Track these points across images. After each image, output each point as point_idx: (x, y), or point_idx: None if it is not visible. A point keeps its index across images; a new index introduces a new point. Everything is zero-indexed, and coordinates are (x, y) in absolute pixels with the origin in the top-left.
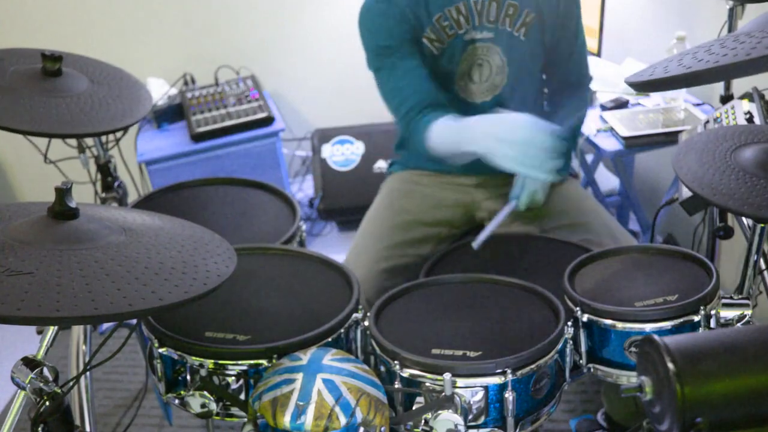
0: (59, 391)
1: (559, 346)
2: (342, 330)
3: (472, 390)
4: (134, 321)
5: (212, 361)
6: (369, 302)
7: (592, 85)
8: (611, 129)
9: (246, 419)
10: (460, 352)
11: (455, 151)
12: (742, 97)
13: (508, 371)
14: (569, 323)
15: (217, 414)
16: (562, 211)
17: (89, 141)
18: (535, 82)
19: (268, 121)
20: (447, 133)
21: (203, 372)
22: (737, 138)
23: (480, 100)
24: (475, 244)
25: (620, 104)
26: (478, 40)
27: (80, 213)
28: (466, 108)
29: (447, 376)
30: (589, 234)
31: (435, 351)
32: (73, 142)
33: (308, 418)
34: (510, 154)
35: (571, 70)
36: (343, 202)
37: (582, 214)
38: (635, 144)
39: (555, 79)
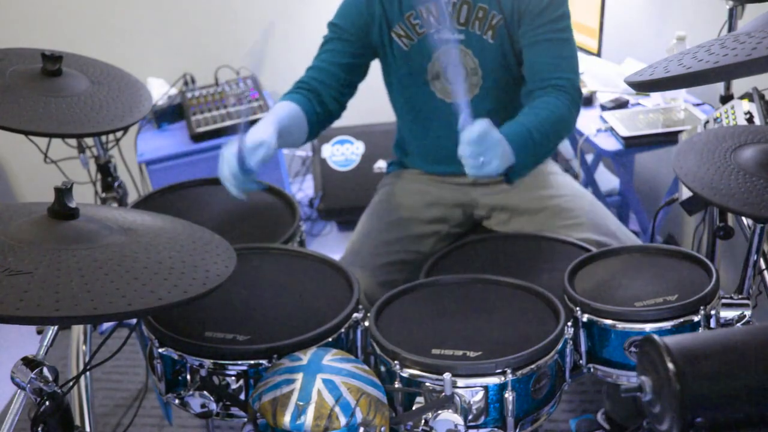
0: (59, 391)
1: (559, 346)
2: (342, 330)
3: (472, 390)
4: (134, 321)
5: (212, 360)
6: (368, 297)
7: (592, 86)
8: (611, 129)
9: (246, 419)
10: (460, 352)
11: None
12: (742, 97)
13: (508, 371)
14: (569, 323)
15: (217, 414)
16: (563, 209)
17: (89, 141)
18: (511, 84)
19: None
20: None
21: (203, 372)
22: (737, 138)
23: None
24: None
25: (620, 104)
26: (451, 40)
27: (80, 213)
28: (447, 109)
29: (447, 376)
30: (588, 232)
31: (435, 351)
32: (73, 142)
33: (308, 419)
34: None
35: (541, 69)
36: (343, 202)
37: (581, 210)
38: (635, 144)
39: (530, 77)
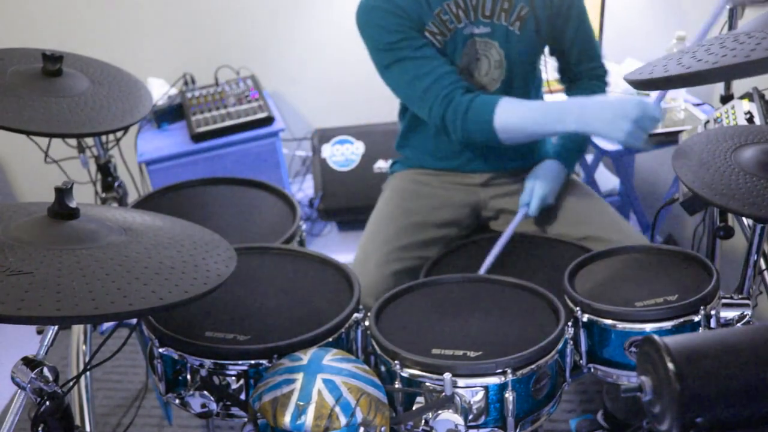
0: (59, 391)
1: (560, 346)
2: (342, 330)
3: (472, 390)
4: (134, 321)
5: (212, 360)
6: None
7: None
8: None
9: (246, 419)
10: (460, 352)
11: (529, 131)
12: (742, 97)
13: (509, 371)
14: (569, 323)
15: (217, 414)
16: (565, 208)
17: (89, 141)
18: (532, 75)
19: (268, 121)
20: (526, 112)
21: (203, 372)
22: (737, 138)
23: None
24: (483, 269)
25: None
26: (476, 34)
27: (80, 213)
28: None
29: (447, 376)
30: (593, 230)
31: (435, 351)
32: (73, 142)
33: (308, 419)
34: (627, 129)
35: (577, 58)
36: (343, 202)
37: (586, 209)
38: None
39: (565, 66)
